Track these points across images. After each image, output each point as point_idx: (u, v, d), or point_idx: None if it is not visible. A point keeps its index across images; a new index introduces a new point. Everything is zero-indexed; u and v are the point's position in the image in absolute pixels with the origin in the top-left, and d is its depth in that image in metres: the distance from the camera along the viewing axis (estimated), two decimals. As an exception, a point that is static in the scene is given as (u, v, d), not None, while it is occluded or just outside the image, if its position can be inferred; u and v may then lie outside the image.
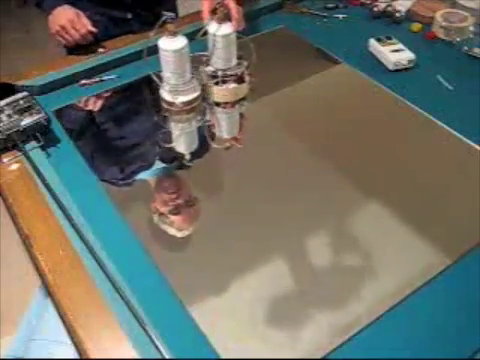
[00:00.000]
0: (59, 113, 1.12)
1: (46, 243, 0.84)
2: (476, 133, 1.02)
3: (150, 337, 0.70)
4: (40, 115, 1.01)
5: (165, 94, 1.01)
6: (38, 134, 1.01)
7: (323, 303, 0.77)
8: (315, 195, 0.94)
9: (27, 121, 1.00)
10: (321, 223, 0.90)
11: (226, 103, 1.04)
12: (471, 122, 1.06)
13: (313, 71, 1.27)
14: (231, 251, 0.86)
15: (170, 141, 1.01)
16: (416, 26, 1.35)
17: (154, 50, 1.28)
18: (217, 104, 1.05)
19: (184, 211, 0.93)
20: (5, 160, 0.99)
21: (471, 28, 1.31)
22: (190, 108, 1.01)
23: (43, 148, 1.01)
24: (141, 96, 1.23)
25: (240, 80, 1.03)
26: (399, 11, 1.39)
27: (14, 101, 1.04)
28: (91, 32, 1.23)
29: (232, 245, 0.87)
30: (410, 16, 1.40)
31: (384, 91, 1.15)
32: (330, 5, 1.46)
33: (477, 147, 1.00)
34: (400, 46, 1.23)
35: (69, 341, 0.79)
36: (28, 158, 0.97)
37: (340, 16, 1.43)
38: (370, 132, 1.09)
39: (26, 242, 0.86)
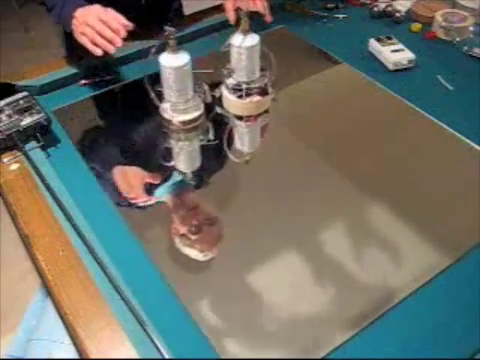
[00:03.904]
0: (59, 113, 1.12)
1: (46, 243, 0.84)
2: (476, 133, 1.02)
3: (150, 337, 0.70)
4: (40, 115, 1.01)
5: (164, 112, 0.97)
6: (38, 134, 1.01)
7: (323, 303, 0.77)
8: (315, 195, 0.94)
9: (27, 121, 1.00)
10: (322, 224, 0.90)
11: (249, 116, 1.01)
12: (471, 122, 1.06)
13: (313, 71, 1.27)
14: (230, 251, 0.86)
15: (170, 158, 0.98)
16: (416, 26, 1.35)
17: (151, 51, 1.29)
18: (239, 118, 1.02)
19: (205, 229, 0.88)
20: (5, 160, 0.99)
21: (471, 28, 1.31)
22: (191, 127, 0.97)
23: (43, 148, 1.01)
24: (143, 96, 1.22)
25: (264, 92, 1.00)
26: (399, 11, 1.39)
27: (14, 101, 1.04)
28: (125, 27, 1.04)
29: (231, 245, 0.87)
30: (410, 16, 1.40)
31: (384, 91, 1.16)
32: (330, 5, 1.46)
33: (477, 147, 1.00)
34: (400, 46, 1.23)
35: (69, 341, 0.79)
36: (28, 158, 0.97)
37: (340, 16, 1.43)
38: (369, 132, 1.09)
39: (26, 242, 0.86)
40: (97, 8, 1.06)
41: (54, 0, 1.12)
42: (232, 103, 1.00)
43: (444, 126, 1.05)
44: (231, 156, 0.98)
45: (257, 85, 0.99)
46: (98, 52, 1.04)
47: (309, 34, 1.36)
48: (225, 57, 1.30)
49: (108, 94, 1.19)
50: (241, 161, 0.98)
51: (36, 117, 1.01)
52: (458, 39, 1.30)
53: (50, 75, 1.20)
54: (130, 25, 1.05)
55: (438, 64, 1.23)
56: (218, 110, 1.03)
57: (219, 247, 0.87)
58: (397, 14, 1.38)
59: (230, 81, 1.00)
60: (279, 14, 1.44)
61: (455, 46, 1.29)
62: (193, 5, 1.56)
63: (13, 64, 2.79)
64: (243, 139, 1.02)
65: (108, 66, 1.23)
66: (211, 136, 0.99)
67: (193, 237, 0.85)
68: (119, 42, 1.03)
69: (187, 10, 1.51)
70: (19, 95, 1.06)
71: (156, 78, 1.22)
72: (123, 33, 1.03)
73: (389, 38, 1.26)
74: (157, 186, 0.96)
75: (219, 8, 1.36)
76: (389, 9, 1.40)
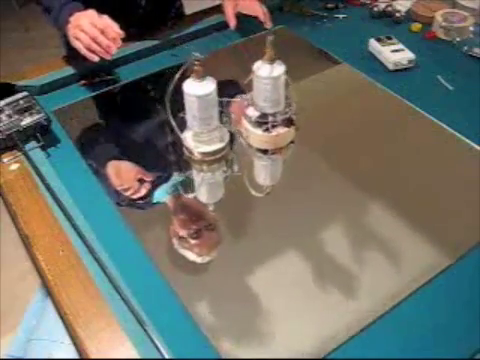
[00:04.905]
0: (59, 113, 1.12)
1: (46, 243, 0.84)
2: (476, 133, 1.02)
3: (150, 337, 0.70)
4: (40, 115, 1.01)
5: (186, 140, 0.91)
6: (38, 134, 1.01)
7: (323, 303, 0.77)
8: (315, 195, 0.94)
9: (27, 121, 1.00)
10: (322, 223, 0.90)
11: (274, 149, 0.94)
12: (471, 122, 1.05)
13: (313, 71, 1.27)
14: (230, 251, 0.86)
15: (192, 189, 0.93)
16: (416, 26, 1.35)
17: (153, 50, 1.30)
18: (264, 151, 0.94)
19: (205, 234, 0.87)
20: (5, 160, 0.99)
21: (471, 28, 1.31)
22: (214, 159, 0.91)
23: (43, 148, 1.01)
24: (143, 96, 1.22)
25: (289, 123, 0.93)
26: (399, 11, 1.39)
27: (14, 101, 1.04)
28: (119, 35, 1.05)
29: (231, 245, 0.87)
30: (410, 16, 1.40)
31: (384, 91, 1.15)
32: (330, 5, 1.46)
33: (477, 147, 1.00)
34: (400, 46, 1.23)
35: (69, 341, 0.79)
36: (28, 158, 0.97)
37: (340, 16, 1.43)
38: (369, 132, 1.09)
39: (26, 242, 0.86)
40: (92, 13, 1.06)
41: (51, 3, 1.11)
42: (258, 137, 0.93)
43: (444, 126, 1.05)
44: (252, 190, 0.91)
45: (283, 116, 0.92)
46: (94, 59, 1.05)
47: (309, 34, 1.36)
48: (226, 57, 1.31)
49: (108, 94, 1.19)
50: (262, 195, 0.91)
51: (36, 117, 1.01)
52: (458, 39, 1.30)
53: (50, 75, 1.20)
54: (123, 33, 1.05)
55: (438, 64, 1.23)
56: (243, 143, 0.96)
57: (217, 250, 0.87)
58: (397, 14, 1.38)
59: (252, 113, 0.92)
60: (279, 14, 1.44)
61: (455, 46, 1.29)
62: (193, 5, 1.56)
63: (13, 64, 2.79)
64: (265, 172, 0.96)
65: (108, 66, 1.22)
66: (236, 168, 0.93)
67: (193, 242, 0.85)
68: (114, 50, 1.04)
69: (187, 10, 1.51)
70: (19, 95, 1.06)
71: (156, 79, 1.23)
72: (119, 42, 1.05)
73: (389, 38, 1.26)
74: (157, 187, 0.96)
75: (219, 8, 1.36)
76: (389, 9, 1.40)
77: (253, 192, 0.91)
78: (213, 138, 0.90)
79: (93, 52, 1.04)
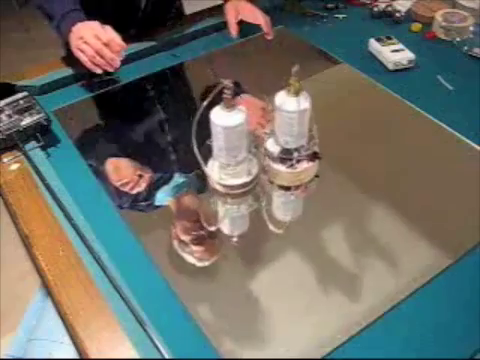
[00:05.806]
0: (59, 113, 1.12)
1: (46, 243, 0.84)
2: (476, 133, 1.02)
3: (150, 337, 0.70)
4: (40, 115, 1.01)
5: (212, 171, 0.85)
6: (38, 134, 1.01)
7: (324, 303, 0.77)
8: (314, 195, 0.94)
9: (27, 121, 1.00)
10: (322, 224, 0.90)
11: (298, 186, 0.88)
12: (471, 122, 1.05)
13: (313, 71, 1.27)
14: (231, 252, 0.86)
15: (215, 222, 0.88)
16: (416, 26, 1.35)
17: (153, 51, 1.30)
18: (287, 188, 0.89)
19: (206, 241, 0.86)
20: (5, 160, 0.99)
21: (471, 28, 1.31)
22: (239, 193, 0.85)
23: (43, 148, 1.01)
24: (143, 96, 1.22)
25: (314, 156, 0.88)
26: (399, 11, 1.39)
27: (14, 101, 1.04)
28: (122, 47, 1.05)
29: (232, 246, 0.87)
30: (410, 16, 1.40)
31: (384, 91, 1.15)
32: (330, 5, 1.46)
33: (477, 147, 1.00)
34: (400, 46, 1.23)
35: (69, 341, 0.79)
36: (28, 158, 0.97)
37: (340, 16, 1.43)
38: (369, 132, 1.09)
39: (26, 242, 0.86)
40: (95, 25, 1.05)
41: (52, 11, 1.10)
42: (281, 175, 0.87)
43: (444, 126, 1.05)
44: (270, 226, 0.86)
45: (307, 152, 0.86)
46: (98, 71, 1.06)
47: (309, 34, 1.36)
48: (225, 57, 1.31)
49: (108, 94, 1.19)
50: (280, 231, 0.85)
51: (36, 117, 1.01)
52: (458, 39, 1.30)
53: (50, 75, 1.20)
54: (126, 46, 1.06)
55: (438, 64, 1.23)
56: (263, 178, 0.90)
57: (218, 256, 0.86)
58: (397, 14, 1.38)
59: (274, 148, 0.86)
60: (279, 14, 1.44)
61: (455, 46, 1.29)
62: (193, 5, 1.56)
63: (13, 64, 2.79)
64: (286, 208, 0.91)
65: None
66: (263, 203, 0.88)
67: (194, 248, 0.85)
68: (118, 64, 1.05)
69: (187, 10, 1.51)
70: (19, 95, 1.06)
71: (156, 79, 1.23)
72: (123, 54, 1.06)
73: (389, 38, 1.26)
74: (158, 188, 0.96)
75: (219, 8, 1.36)
76: (389, 9, 1.40)
77: (271, 227, 0.86)
78: (240, 171, 0.84)
79: (96, 64, 1.04)
